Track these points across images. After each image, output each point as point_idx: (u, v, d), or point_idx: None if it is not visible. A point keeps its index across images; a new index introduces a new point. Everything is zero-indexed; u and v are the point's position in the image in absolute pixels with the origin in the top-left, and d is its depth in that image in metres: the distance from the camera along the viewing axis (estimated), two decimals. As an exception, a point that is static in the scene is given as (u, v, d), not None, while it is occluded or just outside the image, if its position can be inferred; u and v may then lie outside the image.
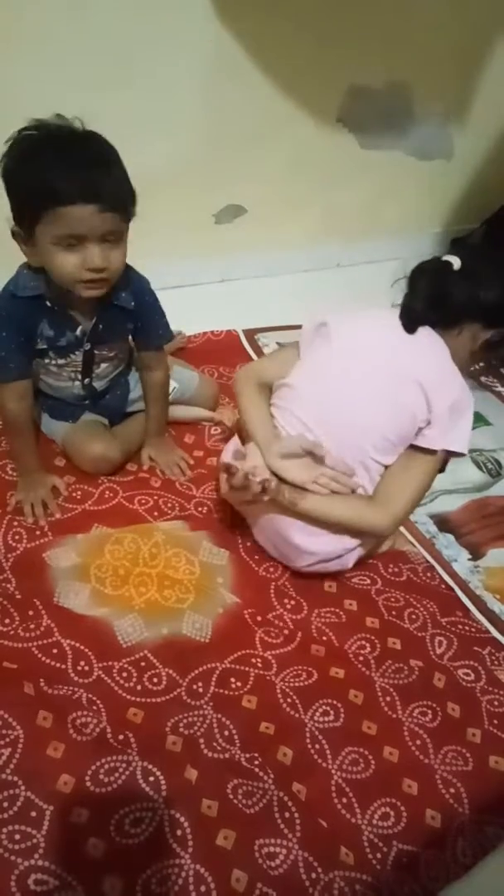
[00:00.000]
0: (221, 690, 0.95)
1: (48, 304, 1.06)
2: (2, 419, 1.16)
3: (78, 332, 1.11)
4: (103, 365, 1.21)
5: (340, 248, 2.09)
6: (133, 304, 1.13)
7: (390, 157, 1.98)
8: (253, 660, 1.00)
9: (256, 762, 0.88)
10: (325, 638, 1.05)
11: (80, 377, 1.19)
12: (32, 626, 0.96)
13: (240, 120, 1.68)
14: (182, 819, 0.80)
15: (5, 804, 0.78)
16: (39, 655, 0.93)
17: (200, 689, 0.95)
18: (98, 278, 0.99)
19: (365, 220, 2.08)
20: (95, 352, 1.16)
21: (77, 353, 1.14)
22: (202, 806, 0.82)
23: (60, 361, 1.15)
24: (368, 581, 1.17)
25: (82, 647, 0.96)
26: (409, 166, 2.03)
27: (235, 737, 0.90)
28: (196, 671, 0.97)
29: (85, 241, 0.95)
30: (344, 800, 0.87)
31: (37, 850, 0.75)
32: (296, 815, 0.84)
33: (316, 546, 1.05)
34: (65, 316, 1.09)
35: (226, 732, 0.90)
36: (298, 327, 1.77)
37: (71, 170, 0.91)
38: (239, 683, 0.97)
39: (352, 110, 1.83)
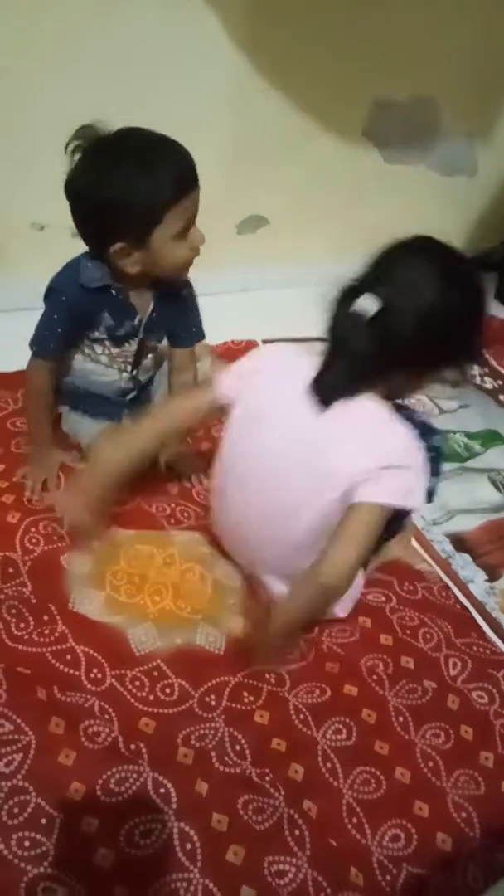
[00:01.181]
0: (234, 704, 0.95)
1: (113, 292, 1.09)
2: (27, 390, 1.18)
3: (136, 321, 1.14)
4: (150, 356, 1.23)
5: (362, 261, 2.09)
6: (185, 291, 1.17)
7: (414, 172, 1.98)
8: (266, 675, 0.99)
9: (267, 778, 0.87)
10: (338, 655, 1.04)
11: (128, 368, 1.21)
12: (47, 632, 0.96)
13: (265, 132, 1.69)
14: (192, 832, 0.80)
15: (16, 810, 0.78)
16: (53, 661, 0.94)
17: (213, 702, 0.94)
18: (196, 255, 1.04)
19: (387, 235, 2.06)
20: (146, 343, 1.19)
21: (132, 341, 1.17)
22: (212, 820, 0.82)
23: (115, 350, 1.17)
24: (383, 598, 1.16)
25: (95, 654, 0.96)
26: (433, 182, 2.03)
27: (247, 751, 0.90)
28: (209, 683, 0.96)
29: (190, 223, 1.00)
30: (354, 819, 0.86)
31: (46, 857, 0.75)
32: (306, 832, 0.83)
33: None
34: (127, 305, 1.12)
35: (237, 747, 0.90)
36: (317, 340, 1.79)
37: (177, 161, 0.98)
38: (251, 698, 0.96)
39: (376, 125, 1.83)
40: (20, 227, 1.60)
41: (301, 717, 0.95)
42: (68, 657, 0.94)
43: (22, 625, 0.96)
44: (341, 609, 1.05)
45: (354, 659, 1.04)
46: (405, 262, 0.87)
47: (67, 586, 1.04)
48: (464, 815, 0.89)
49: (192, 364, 1.26)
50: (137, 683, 0.94)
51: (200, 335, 1.25)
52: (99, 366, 1.19)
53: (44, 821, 0.78)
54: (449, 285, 0.83)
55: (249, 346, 1.72)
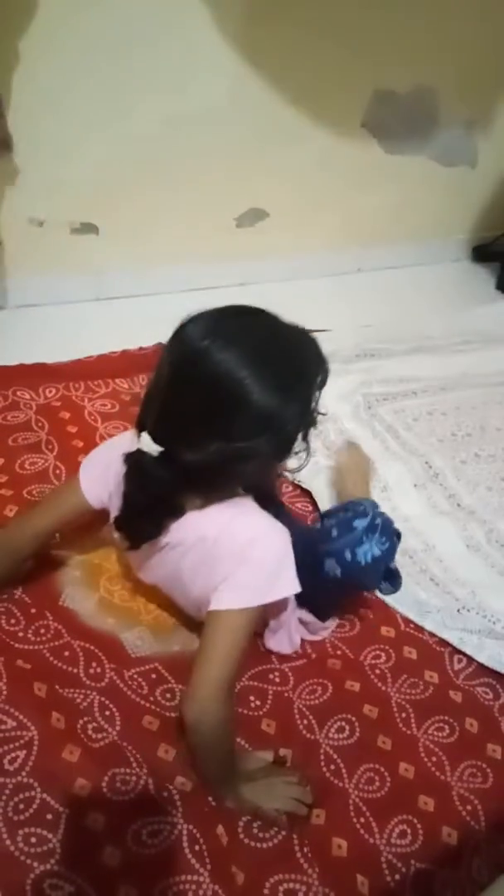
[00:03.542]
0: (241, 710, 0.93)
1: None
2: None
3: None
4: None
5: (362, 253, 2.08)
6: None
7: (414, 162, 1.97)
8: (270, 675, 0.98)
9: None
10: (340, 650, 1.04)
11: None
12: (42, 630, 0.96)
13: (264, 124, 1.68)
14: (199, 836, 0.79)
15: (21, 806, 0.78)
16: (51, 658, 0.93)
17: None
18: None
19: (387, 226, 2.07)
20: None
21: None
22: (217, 829, 0.81)
23: None
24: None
25: (93, 648, 0.95)
26: (433, 172, 2.02)
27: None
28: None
29: None
30: (362, 819, 0.86)
31: (53, 854, 0.75)
32: (314, 850, 0.82)
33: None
34: None
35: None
36: (318, 331, 1.78)
37: None
38: (258, 703, 0.95)
39: (376, 115, 1.82)
40: (18, 223, 1.59)
41: (304, 722, 0.94)
42: (66, 653, 0.94)
43: (13, 621, 0.96)
44: (277, 644, 0.99)
45: (356, 653, 1.04)
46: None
47: (59, 584, 1.02)
48: (469, 808, 0.89)
49: None
50: (135, 685, 0.93)
51: None
52: None
53: (49, 816, 0.77)
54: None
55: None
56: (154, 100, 1.53)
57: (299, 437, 0.78)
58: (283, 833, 0.82)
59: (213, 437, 0.73)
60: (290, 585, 0.82)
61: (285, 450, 0.78)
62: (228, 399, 0.71)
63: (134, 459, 0.79)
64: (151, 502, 0.81)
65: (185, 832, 0.79)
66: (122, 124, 1.54)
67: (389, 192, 1.99)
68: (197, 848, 0.78)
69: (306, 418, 0.77)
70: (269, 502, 0.85)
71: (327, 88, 1.70)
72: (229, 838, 0.80)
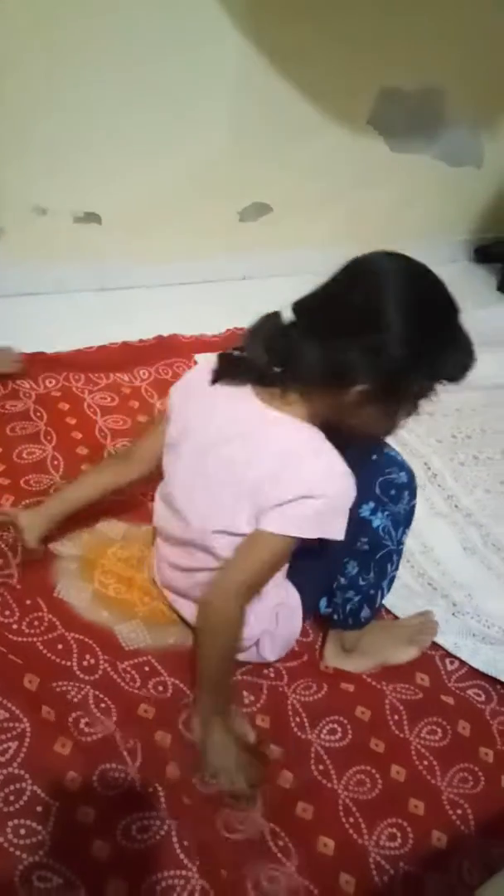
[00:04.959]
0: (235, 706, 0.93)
1: None
2: None
3: None
4: None
5: (364, 250, 2.06)
6: None
7: (419, 161, 1.96)
8: (265, 671, 0.98)
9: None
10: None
11: None
12: (36, 623, 0.96)
13: (269, 119, 1.67)
14: (188, 833, 0.79)
15: (11, 798, 0.78)
16: (45, 651, 0.93)
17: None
18: None
19: (391, 224, 2.06)
20: None
21: None
22: (201, 826, 0.81)
23: None
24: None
25: (87, 640, 0.95)
26: (438, 172, 2.01)
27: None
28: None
29: None
30: (351, 819, 0.86)
31: (42, 846, 0.75)
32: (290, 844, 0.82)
33: None
34: None
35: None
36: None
37: None
38: (252, 698, 0.95)
39: (382, 113, 1.81)
40: (21, 211, 1.58)
41: (297, 719, 0.94)
42: (60, 646, 0.94)
43: (7, 612, 0.96)
44: (270, 651, 0.96)
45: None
46: None
47: (54, 576, 1.02)
48: (459, 812, 0.89)
49: None
50: (128, 677, 0.93)
51: None
52: None
53: (39, 809, 0.78)
54: None
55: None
56: (158, 94, 1.52)
57: (409, 389, 0.83)
58: (254, 827, 0.82)
59: (339, 335, 0.80)
60: (337, 531, 0.83)
61: (389, 388, 0.81)
62: (369, 309, 0.80)
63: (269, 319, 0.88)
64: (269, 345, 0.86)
65: (174, 828, 0.79)
66: (127, 115, 1.53)
67: (393, 191, 1.98)
68: (186, 843, 0.79)
69: (423, 372, 0.82)
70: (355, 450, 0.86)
71: (334, 85, 1.69)
72: (212, 834, 0.80)
